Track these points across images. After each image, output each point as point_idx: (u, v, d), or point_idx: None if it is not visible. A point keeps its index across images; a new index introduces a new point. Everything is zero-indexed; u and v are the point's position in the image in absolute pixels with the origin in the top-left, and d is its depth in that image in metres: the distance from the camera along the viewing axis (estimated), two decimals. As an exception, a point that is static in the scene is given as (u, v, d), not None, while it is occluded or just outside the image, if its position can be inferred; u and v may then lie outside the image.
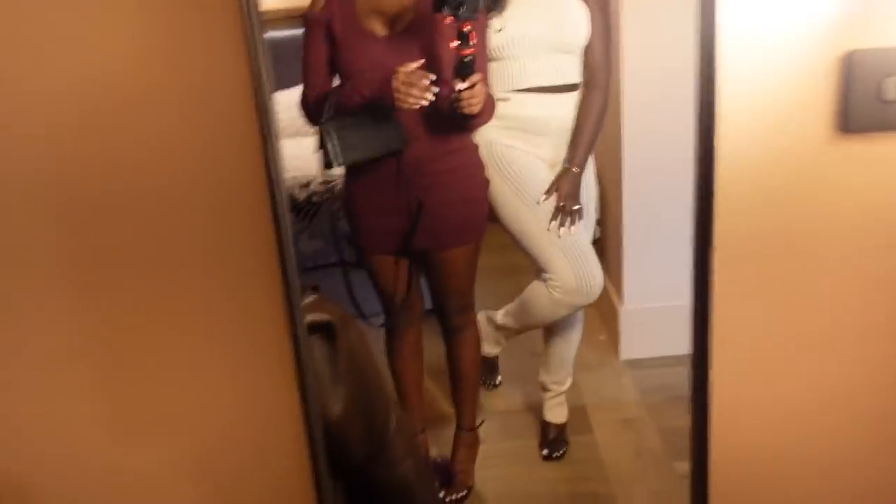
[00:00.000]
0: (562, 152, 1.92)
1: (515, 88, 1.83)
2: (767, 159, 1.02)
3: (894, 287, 1.07)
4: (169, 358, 1.07)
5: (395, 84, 1.57)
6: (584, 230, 1.95)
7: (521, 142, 1.90)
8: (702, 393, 1.09)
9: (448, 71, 1.60)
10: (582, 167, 1.89)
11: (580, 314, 2.11)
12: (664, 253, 2.02)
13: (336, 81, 1.79)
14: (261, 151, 0.96)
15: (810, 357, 1.09)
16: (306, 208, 2.63)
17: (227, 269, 1.02)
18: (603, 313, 2.82)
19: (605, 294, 2.81)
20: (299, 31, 1.79)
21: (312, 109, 1.76)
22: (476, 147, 1.87)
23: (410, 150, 1.76)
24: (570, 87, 1.88)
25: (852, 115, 1.00)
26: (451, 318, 1.98)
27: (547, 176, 1.91)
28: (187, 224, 1.01)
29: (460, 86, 1.55)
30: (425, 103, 1.58)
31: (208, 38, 0.93)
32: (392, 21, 1.72)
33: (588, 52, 1.87)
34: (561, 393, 2.20)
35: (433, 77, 1.58)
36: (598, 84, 1.89)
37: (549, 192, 1.86)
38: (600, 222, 2.66)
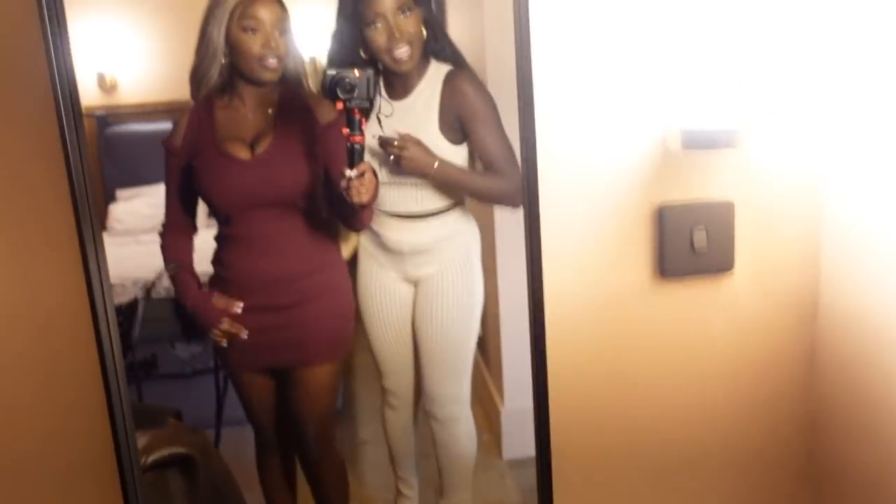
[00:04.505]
0: (419, 271, 1.93)
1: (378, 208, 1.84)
2: (593, 300, 1.09)
3: (708, 411, 1.15)
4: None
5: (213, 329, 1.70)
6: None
7: (382, 258, 1.92)
8: None
9: (335, 164, 1.62)
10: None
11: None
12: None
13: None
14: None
15: (639, 480, 1.15)
16: (184, 310, 2.57)
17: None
18: (487, 412, 2.85)
19: (487, 393, 2.85)
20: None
21: (165, 245, 1.77)
22: (345, 266, 1.89)
23: (279, 265, 1.78)
24: (429, 214, 1.85)
25: (667, 261, 1.08)
26: (310, 445, 1.93)
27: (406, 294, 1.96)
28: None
29: (350, 173, 1.55)
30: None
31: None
32: (252, 144, 1.75)
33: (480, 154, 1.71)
34: None
35: (240, 304, 1.68)
36: (499, 174, 1.66)
37: None
38: (481, 320, 2.71)
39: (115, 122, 3.41)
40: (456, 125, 1.76)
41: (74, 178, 1.03)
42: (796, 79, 1.03)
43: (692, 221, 1.08)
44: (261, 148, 1.70)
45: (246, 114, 1.74)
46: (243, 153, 1.71)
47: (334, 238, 1.85)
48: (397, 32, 1.66)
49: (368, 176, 1.55)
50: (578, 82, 1.02)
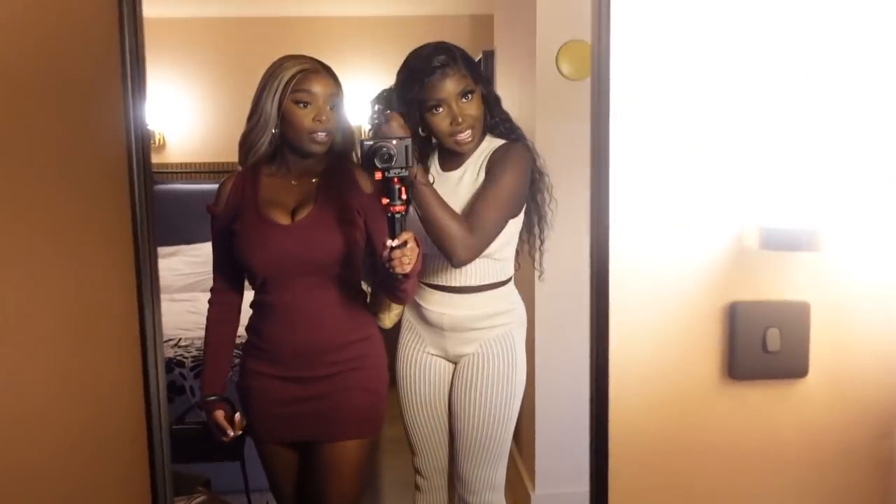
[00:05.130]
0: (458, 349, 1.90)
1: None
2: (658, 398, 1.04)
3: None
4: None
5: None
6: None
7: (423, 331, 1.89)
8: None
9: (378, 234, 1.57)
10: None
11: None
12: (577, 436, 1.99)
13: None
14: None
15: None
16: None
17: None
18: (516, 497, 2.75)
19: (517, 478, 2.75)
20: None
21: (210, 318, 1.82)
22: (381, 340, 1.84)
23: (313, 335, 1.74)
24: (471, 289, 1.82)
25: (738, 363, 1.03)
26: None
27: (444, 371, 1.88)
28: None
29: (391, 243, 1.51)
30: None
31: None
32: (294, 211, 1.74)
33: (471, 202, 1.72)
34: None
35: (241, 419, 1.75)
36: (466, 224, 1.69)
37: None
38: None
39: (160, 180, 3.47)
40: None
41: (139, 233, 1.03)
42: (882, 180, 1.00)
43: (765, 321, 1.03)
44: (301, 215, 1.69)
45: (290, 182, 1.73)
46: (283, 219, 1.70)
47: (371, 311, 1.82)
48: (460, 117, 1.69)
49: (411, 245, 1.51)
50: (656, 173, 1.00)
